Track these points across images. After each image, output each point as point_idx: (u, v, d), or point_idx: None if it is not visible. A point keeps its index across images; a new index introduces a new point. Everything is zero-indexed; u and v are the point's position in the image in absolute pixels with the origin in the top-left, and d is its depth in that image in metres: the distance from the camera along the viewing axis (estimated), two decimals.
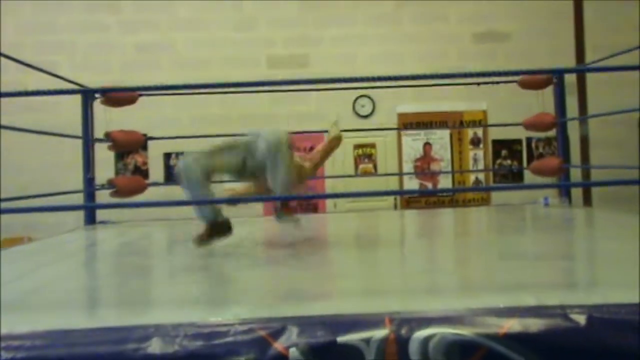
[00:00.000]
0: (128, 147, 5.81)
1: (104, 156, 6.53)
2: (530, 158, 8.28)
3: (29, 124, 6.38)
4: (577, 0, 8.42)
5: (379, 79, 3.15)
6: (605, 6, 8.37)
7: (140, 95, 5.20)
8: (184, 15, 8.37)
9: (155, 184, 6.71)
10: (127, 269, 3.16)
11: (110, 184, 5.02)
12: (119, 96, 4.90)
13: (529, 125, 5.55)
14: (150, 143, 7.47)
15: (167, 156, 8.25)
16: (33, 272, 3.14)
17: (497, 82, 6.41)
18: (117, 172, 8.10)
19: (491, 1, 8.54)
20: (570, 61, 8.20)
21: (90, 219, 5.27)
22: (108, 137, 4.93)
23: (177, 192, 8.16)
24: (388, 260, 3.10)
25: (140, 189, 5.21)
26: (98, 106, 5.34)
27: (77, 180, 5.70)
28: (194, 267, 3.05)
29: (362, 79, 2.70)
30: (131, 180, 5.66)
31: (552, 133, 6.09)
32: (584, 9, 8.41)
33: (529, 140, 8.34)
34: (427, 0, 8.51)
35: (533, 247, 3.39)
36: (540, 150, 8.37)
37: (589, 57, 8.19)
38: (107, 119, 5.24)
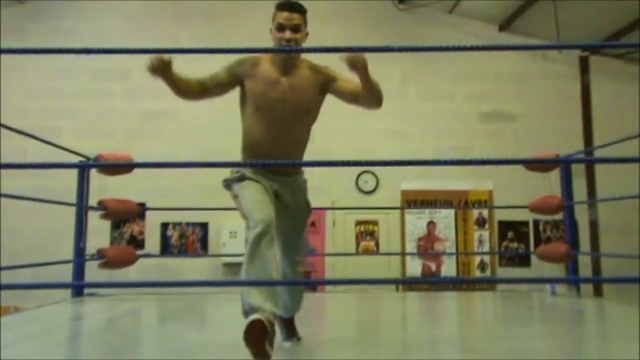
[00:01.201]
0: (121, 216, 5.70)
1: (101, 224, 6.42)
2: (538, 241, 8.13)
3: (28, 189, 6.33)
4: (584, 83, 8.47)
5: (384, 163, 3.08)
6: (613, 90, 8.41)
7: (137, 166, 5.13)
8: None
9: (148, 255, 6.55)
10: (108, 351, 2.99)
11: (100, 255, 4.89)
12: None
13: (535, 208, 5.43)
14: (148, 211, 7.38)
15: (165, 226, 8.13)
16: (8, 347, 2.98)
17: (505, 163, 6.36)
18: (112, 241, 7.96)
19: (498, 82, 8.61)
20: (578, 142, 8.18)
21: (78, 291, 5.11)
22: (101, 205, 4.84)
23: (171, 263, 8.06)
24: (389, 352, 2.92)
25: (131, 260, 5.08)
26: (96, 173, 5.29)
27: (71, 248, 5.58)
28: (178, 351, 2.88)
29: (366, 163, 2.59)
30: (121, 250, 5.52)
31: (560, 216, 5.97)
32: (591, 92, 8.46)
33: (536, 222, 8.20)
34: (433, 79, 8.58)
35: (542, 343, 3.20)
36: (548, 233, 8.22)
37: (597, 138, 8.17)
38: (102, 186, 5.17)
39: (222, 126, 8.22)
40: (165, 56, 2.67)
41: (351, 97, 2.88)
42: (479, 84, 8.59)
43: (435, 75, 8.57)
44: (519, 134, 8.41)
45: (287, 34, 2.77)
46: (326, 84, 2.90)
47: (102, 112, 8.37)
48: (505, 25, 8.43)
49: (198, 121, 8.31)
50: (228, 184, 2.90)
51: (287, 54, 2.81)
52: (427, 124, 8.49)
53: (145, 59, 2.63)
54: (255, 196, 2.72)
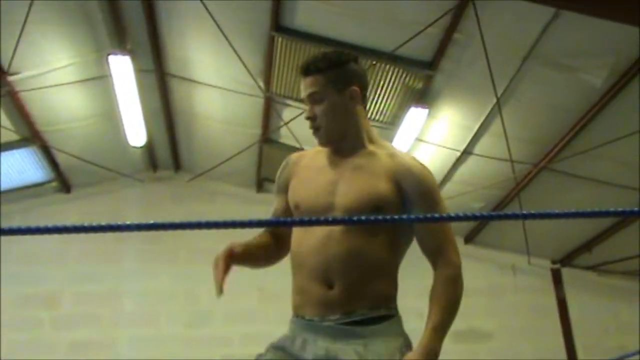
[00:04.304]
0: None
1: None
2: None
3: None
4: (559, 297, 8.34)
5: None
6: (591, 304, 8.26)
7: None
8: (130, 309, 7.90)
9: None
10: None
11: None
12: None
13: None
14: None
15: None
16: None
17: None
18: None
19: (467, 297, 8.36)
20: None
21: None
22: None
23: None
24: None
25: None
26: None
27: None
28: None
29: None
30: None
31: None
32: (568, 307, 8.30)
33: None
34: (400, 293, 8.29)
35: None
36: None
37: (581, 357, 7.87)
38: None
39: (166, 356, 7.60)
40: (234, 247, 1.97)
41: (426, 251, 2.05)
42: None
43: (403, 290, 8.30)
44: (496, 354, 8.01)
45: (307, 111, 2.02)
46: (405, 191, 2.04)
47: (25, 344, 7.63)
48: (471, 237, 8.44)
49: (138, 352, 7.61)
50: None
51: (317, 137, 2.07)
52: None
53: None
54: None
